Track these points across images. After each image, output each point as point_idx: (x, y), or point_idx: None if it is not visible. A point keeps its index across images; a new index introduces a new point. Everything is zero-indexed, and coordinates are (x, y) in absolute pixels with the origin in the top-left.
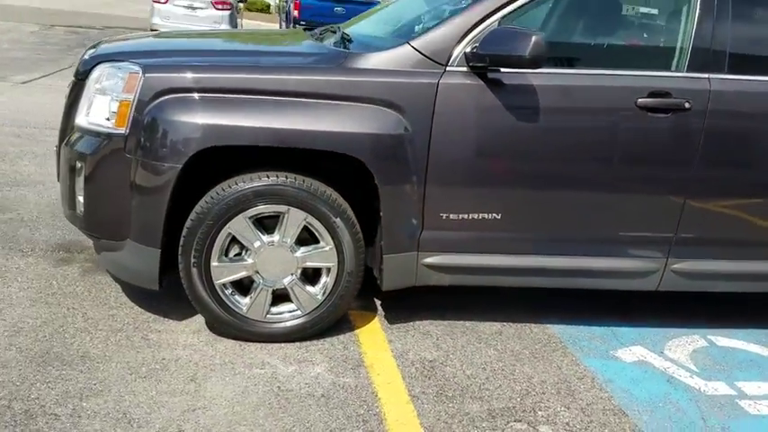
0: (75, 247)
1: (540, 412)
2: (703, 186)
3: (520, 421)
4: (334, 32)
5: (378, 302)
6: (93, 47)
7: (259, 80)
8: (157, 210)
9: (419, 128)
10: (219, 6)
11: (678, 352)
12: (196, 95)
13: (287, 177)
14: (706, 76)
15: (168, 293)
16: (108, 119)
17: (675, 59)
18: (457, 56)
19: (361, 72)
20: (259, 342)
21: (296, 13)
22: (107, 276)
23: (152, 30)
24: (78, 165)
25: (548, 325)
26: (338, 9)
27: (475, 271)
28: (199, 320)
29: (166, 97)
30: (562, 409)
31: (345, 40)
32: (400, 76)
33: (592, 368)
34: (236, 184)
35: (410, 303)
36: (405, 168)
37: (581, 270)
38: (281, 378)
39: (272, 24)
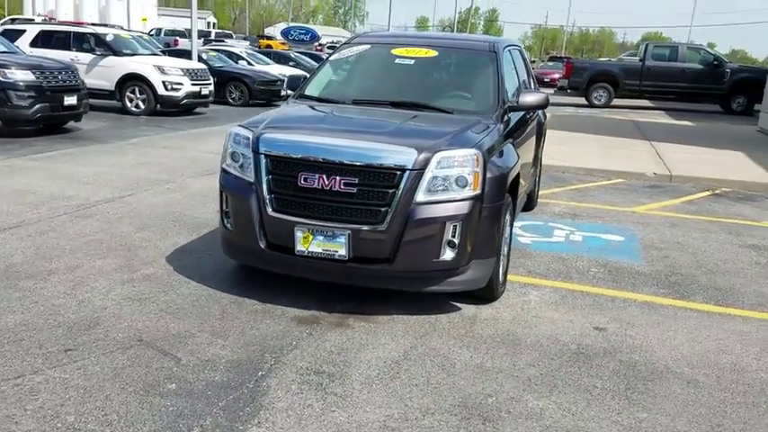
0: (316, 316)
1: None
2: None
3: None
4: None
5: None
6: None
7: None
8: (499, 231)
9: None
10: None
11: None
12: (493, 158)
13: None
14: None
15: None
16: (452, 189)
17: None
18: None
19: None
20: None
21: None
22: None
23: None
24: (451, 224)
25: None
26: None
27: None
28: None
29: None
30: (594, 267)
31: (445, 110)
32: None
33: (581, 252)
34: (508, 197)
35: None
36: None
37: None
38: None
39: None
